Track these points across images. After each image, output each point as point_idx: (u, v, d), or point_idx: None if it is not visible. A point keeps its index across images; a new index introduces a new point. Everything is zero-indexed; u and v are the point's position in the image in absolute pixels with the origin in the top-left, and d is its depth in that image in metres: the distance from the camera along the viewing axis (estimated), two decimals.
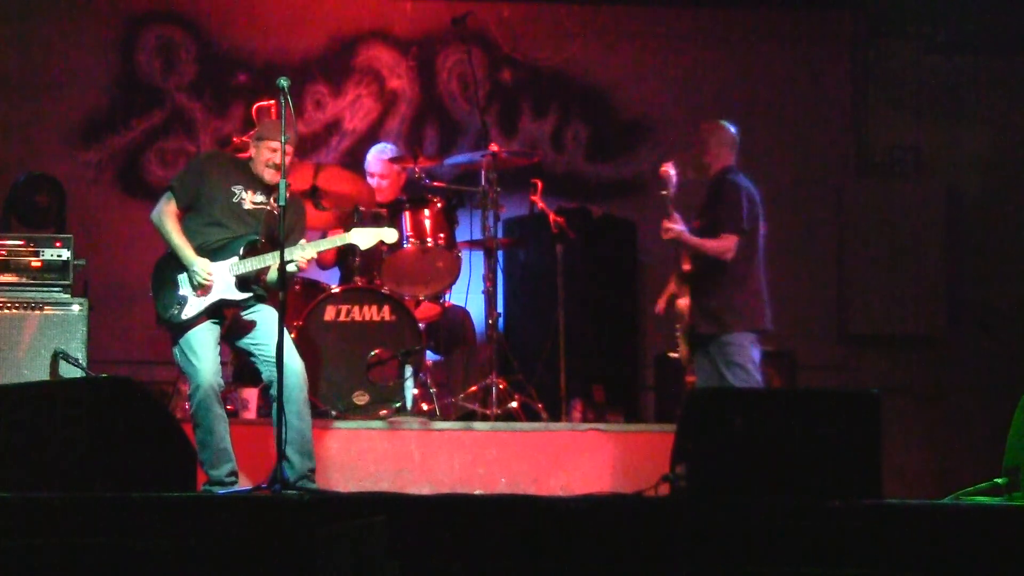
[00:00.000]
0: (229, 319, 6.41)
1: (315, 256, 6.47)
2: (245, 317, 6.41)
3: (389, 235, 6.61)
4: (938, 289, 9.28)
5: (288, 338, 6.30)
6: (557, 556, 4.75)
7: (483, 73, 9.24)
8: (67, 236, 7.32)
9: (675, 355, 7.29)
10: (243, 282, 6.36)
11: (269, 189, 6.45)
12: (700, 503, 5.02)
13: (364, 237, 6.55)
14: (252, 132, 7.00)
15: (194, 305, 6.31)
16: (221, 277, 6.33)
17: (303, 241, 6.42)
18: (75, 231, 7.46)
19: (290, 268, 6.21)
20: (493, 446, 7.25)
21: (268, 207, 6.44)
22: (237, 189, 6.44)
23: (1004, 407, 6.15)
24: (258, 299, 6.43)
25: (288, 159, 6.19)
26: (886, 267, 9.29)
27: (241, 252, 6.35)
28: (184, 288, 6.33)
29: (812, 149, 9.57)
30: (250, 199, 6.45)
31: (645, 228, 9.39)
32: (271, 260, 6.26)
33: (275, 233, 6.21)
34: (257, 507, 5.04)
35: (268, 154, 6.40)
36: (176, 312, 6.31)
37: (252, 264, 6.33)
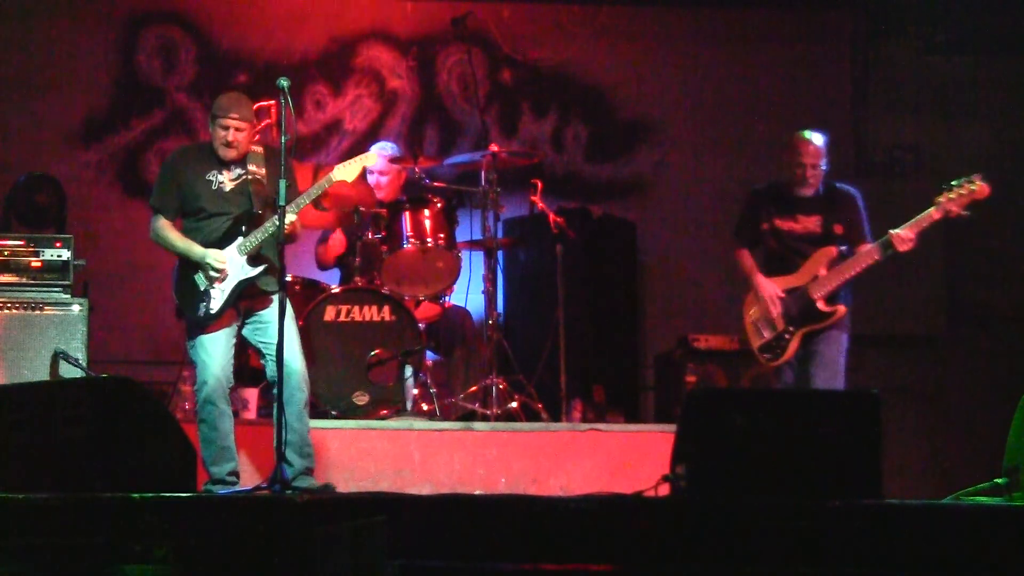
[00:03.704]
0: (242, 309, 6.42)
1: (307, 202, 6.43)
2: (263, 289, 6.41)
3: (370, 159, 6.75)
4: (938, 289, 9.28)
5: (295, 339, 6.32)
6: (557, 556, 4.75)
7: (483, 73, 9.24)
8: (67, 236, 7.32)
9: (775, 363, 7.14)
10: (254, 258, 6.37)
11: (242, 159, 6.44)
12: (700, 503, 5.02)
13: (349, 170, 6.54)
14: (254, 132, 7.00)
15: (218, 298, 6.34)
16: (234, 260, 6.35)
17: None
18: (75, 231, 7.46)
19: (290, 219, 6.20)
20: (493, 446, 7.24)
21: (248, 176, 6.43)
22: (212, 176, 6.43)
23: (1004, 407, 6.15)
24: (271, 271, 6.39)
25: (244, 134, 6.34)
26: (886, 267, 9.28)
27: (243, 230, 6.37)
28: (203, 284, 6.37)
29: None
30: (228, 178, 6.44)
31: (645, 228, 9.41)
32: (272, 227, 6.23)
33: (267, 195, 6.30)
34: (257, 507, 5.03)
35: (221, 132, 6.39)
36: (204, 309, 6.34)
37: (257, 236, 6.34)
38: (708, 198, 9.61)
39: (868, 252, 7.04)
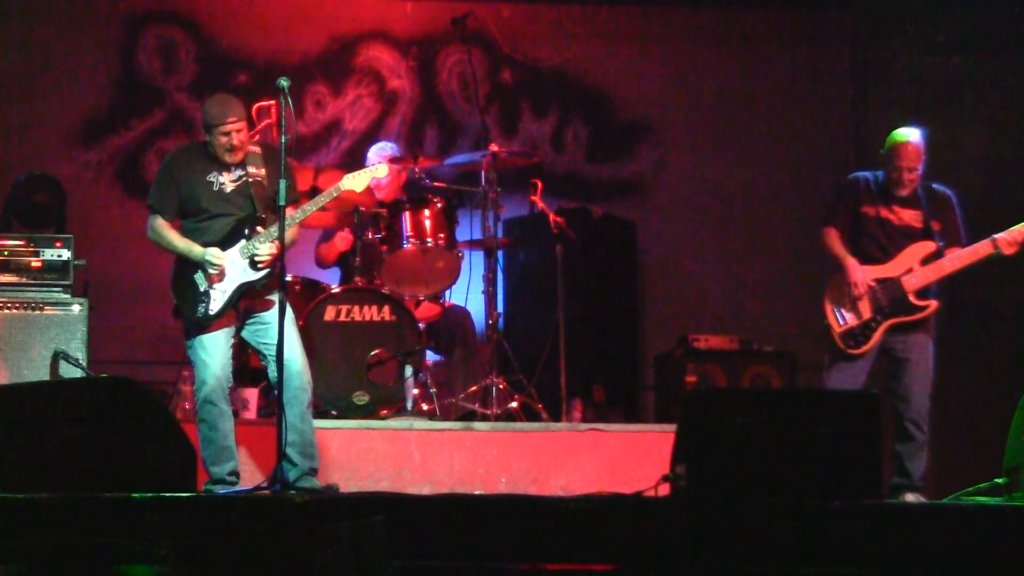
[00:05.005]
0: (241, 310, 6.41)
1: (314, 210, 6.46)
2: (265, 295, 6.41)
3: (380, 170, 6.71)
4: (938, 289, 9.26)
5: (297, 340, 6.31)
6: (557, 556, 4.75)
7: (483, 73, 9.24)
8: (67, 236, 7.32)
9: (856, 351, 7.00)
10: (257, 261, 6.36)
11: (241, 160, 6.43)
12: (700, 503, 5.02)
13: (358, 180, 6.54)
14: (255, 131, 7.00)
15: (218, 299, 6.31)
16: (236, 263, 6.32)
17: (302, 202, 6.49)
18: (75, 231, 7.46)
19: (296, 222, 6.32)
20: (493, 446, 7.24)
21: (249, 178, 6.42)
22: (212, 177, 6.40)
23: (1004, 407, 6.16)
24: (272, 275, 6.38)
25: (243, 133, 6.32)
26: None
27: (247, 233, 6.35)
28: (204, 285, 6.34)
29: (812, 149, 9.58)
30: (229, 180, 6.40)
31: (645, 228, 9.41)
32: (276, 231, 6.22)
33: (268, 197, 6.27)
34: (257, 507, 5.04)
35: (223, 139, 6.33)
36: (204, 310, 6.31)
37: (261, 240, 6.32)
38: (708, 198, 9.61)
39: (974, 250, 6.96)
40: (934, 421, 7.19)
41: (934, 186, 7.17)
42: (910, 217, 7.09)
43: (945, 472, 8.14)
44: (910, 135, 7.07)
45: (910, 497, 6.74)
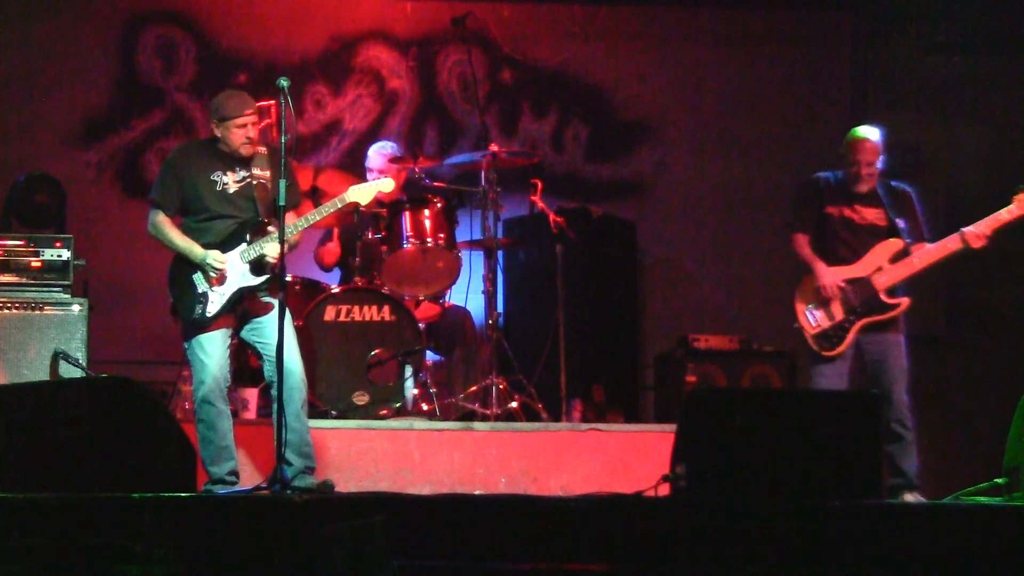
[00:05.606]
0: (239, 312, 6.40)
1: (318, 220, 6.47)
2: (263, 299, 6.40)
3: (386, 185, 6.66)
4: (938, 289, 9.28)
5: (292, 339, 6.29)
6: (557, 556, 4.75)
7: (483, 73, 9.24)
8: (67, 236, 7.31)
9: (830, 352, 7.03)
10: (257, 266, 6.34)
11: (247, 161, 6.41)
12: (700, 503, 5.02)
13: (363, 193, 6.53)
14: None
15: (216, 301, 6.30)
16: (235, 267, 6.31)
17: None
18: (75, 231, 7.46)
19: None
20: (493, 446, 7.24)
21: (253, 180, 6.41)
22: (216, 176, 6.39)
23: (1004, 407, 6.16)
24: (273, 279, 6.38)
25: (257, 126, 6.34)
26: None
27: (248, 237, 6.33)
28: (202, 286, 6.32)
29: (812, 149, 9.56)
30: (232, 180, 6.39)
31: (645, 228, 9.41)
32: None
33: (272, 201, 6.23)
34: (257, 507, 5.04)
35: (239, 132, 6.33)
36: (200, 311, 6.30)
37: (262, 245, 6.30)
38: (708, 198, 9.61)
39: (942, 245, 7.00)
40: (935, 421, 7.21)
41: (893, 183, 7.21)
42: (873, 215, 7.13)
43: (945, 472, 8.14)
44: (868, 132, 7.17)
45: (910, 497, 6.75)
